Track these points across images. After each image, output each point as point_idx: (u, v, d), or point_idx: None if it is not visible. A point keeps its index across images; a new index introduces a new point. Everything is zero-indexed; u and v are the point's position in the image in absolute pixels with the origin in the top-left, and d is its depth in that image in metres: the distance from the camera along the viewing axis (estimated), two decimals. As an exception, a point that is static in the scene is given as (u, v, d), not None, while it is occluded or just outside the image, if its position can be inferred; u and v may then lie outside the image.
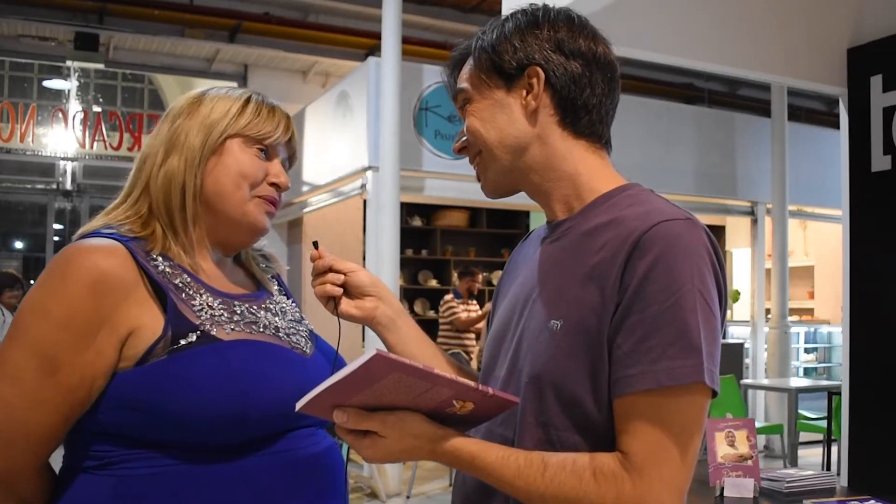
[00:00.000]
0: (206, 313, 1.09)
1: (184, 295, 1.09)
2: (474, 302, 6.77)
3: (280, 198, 1.22)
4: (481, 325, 6.57)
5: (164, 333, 1.03)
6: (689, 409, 0.92)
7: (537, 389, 0.98)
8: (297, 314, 1.27)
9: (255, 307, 1.18)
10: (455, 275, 7.33)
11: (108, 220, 1.14)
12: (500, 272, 7.79)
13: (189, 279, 1.11)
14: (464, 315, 6.50)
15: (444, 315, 6.57)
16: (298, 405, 0.93)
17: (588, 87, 1.04)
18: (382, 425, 0.92)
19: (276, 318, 1.20)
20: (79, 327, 1.00)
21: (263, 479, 1.06)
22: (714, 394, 0.93)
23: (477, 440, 0.96)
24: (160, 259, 1.10)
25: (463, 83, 1.09)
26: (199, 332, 1.06)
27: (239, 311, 1.14)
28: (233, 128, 1.16)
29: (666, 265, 0.91)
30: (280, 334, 1.17)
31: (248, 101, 1.19)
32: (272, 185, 1.19)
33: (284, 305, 1.26)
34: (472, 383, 0.90)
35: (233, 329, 1.10)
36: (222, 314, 1.11)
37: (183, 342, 1.04)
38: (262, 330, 1.15)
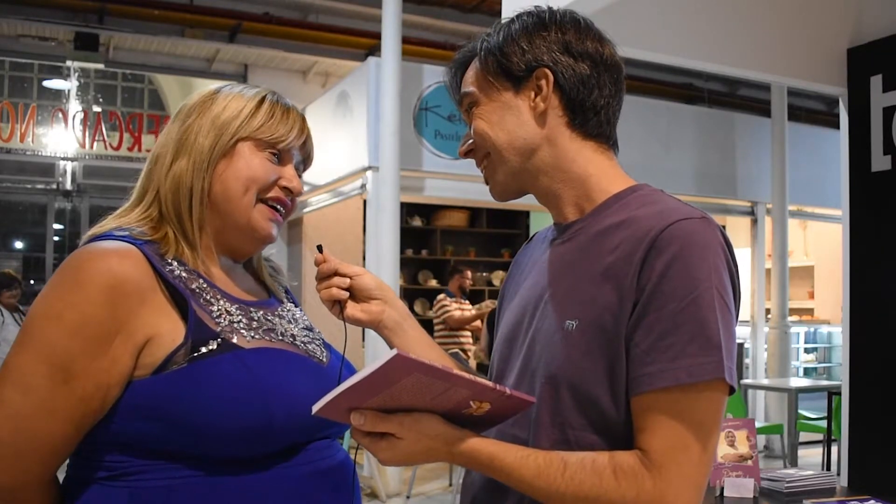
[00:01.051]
0: (224, 319, 1.05)
1: (202, 300, 1.05)
2: (467, 301, 6.76)
3: (293, 203, 1.18)
4: (476, 323, 6.57)
5: (186, 341, 1.00)
6: (707, 406, 0.92)
7: (553, 390, 0.98)
8: (308, 322, 1.25)
9: (270, 314, 1.15)
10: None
11: (119, 223, 1.10)
12: (500, 272, 7.81)
13: (205, 284, 1.08)
14: (457, 313, 6.49)
15: (437, 314, 6.57)
16: (315, 408, 0.91)
17: (596, 89, 1.04)
18: (400, 427, 0.92)
19: (291, 326, 1.17)
20: (93, 334, 0.96)
21: (282, 492, 1.03)
22: (732, 390, 0.93)
23: (495, 441, 0.96)
24: (175, 263, 1.07)
25: (469, 86, 1.09)
26: (219, 340, 1.02)
27: (256, 318, 1.11)
28: (245, 130, 1.12)
29: (683, 263, 0.92)
30: (297, 342, 1.14)
31: (262, 101, 1.14)
32: (284, 189, 1.15)
33: (296, 313, 1.24)
34: (489, 383, 0.90)
35: (253, 336, 1.07)
36: (241, 320, 1.08)
37: (204, 350, 1.00)
38: (280, 337, 1.12)
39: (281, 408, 1.02)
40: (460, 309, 6.56)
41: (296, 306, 1.28)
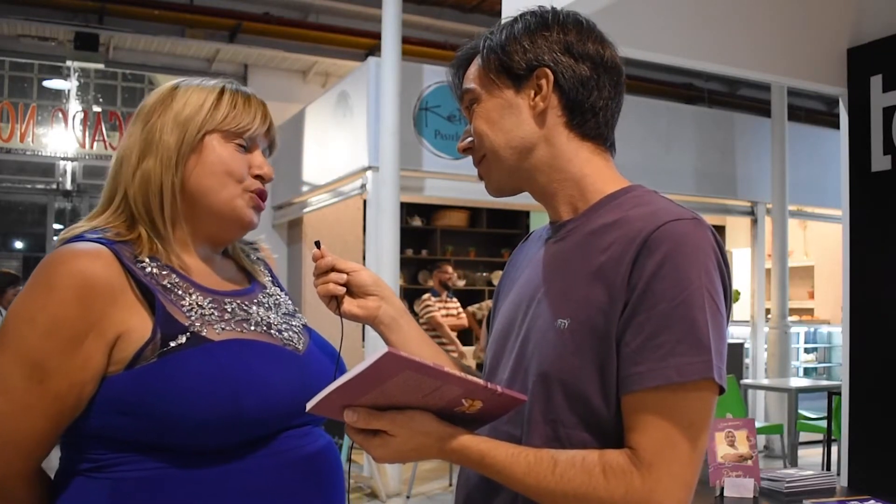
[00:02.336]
0: (195, 313, 1.07)
1: (172, 296, 1.07)
2: (454, 300, 6.72)
3: (266, 189, 1.19)
4: (462, 321, 6.52)
5: (153, 336, 1.02)
6: (697, 406, 0.92)
7: (545, 388, 0.99)
8: (291, 307, 1.26)
9: (246, 303, 1.16)
10: (454, 275, 7.30)
11: (92, 225, 1.11)
12: (500, 272, 7.75)
13: (178, 279, 1.09)
14: (438, 315, 6.45)
15: (420, 314, 6.53)
16: (309, 405, 0.92)
17: (595, 90, 1.05)
18: (392, 424, 0.93)
19: (269, 313, 1.18)
20: (65, 334, 0.99)
21: (261, 481, 1.05)
22: (721, 390, 0.94)
23: (486, 438, 0.97)
24: (148, 261, 1.08)
25: (470, 83, 1.10)
26: (188, 334, 1.04)
27: (230, 309, 1.12)
28: (210, 123, 1.13)
29: (674, 264, 0.92)
30: (272, 331, 1.15)
31: (222, 92, 1.15)
32: (256, 177, 1.16)
33: (278, 298, 1.24)
34: (481, 381, 0.91)
35: (223, 329, 1.08)
36: (213, 313, 1.09)
37: (173, 344, 1.02)
38: (253, 328, 1.13)
39: (250, 397, 1.04)
40: (445, 308, 6.53)
41: (281, 290, 1.28)
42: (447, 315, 6.49)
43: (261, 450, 1.06)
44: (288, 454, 1.09)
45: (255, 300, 1.19)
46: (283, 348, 1.14)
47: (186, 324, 1.05)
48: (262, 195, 1.18)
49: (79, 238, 1.07)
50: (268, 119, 1.19)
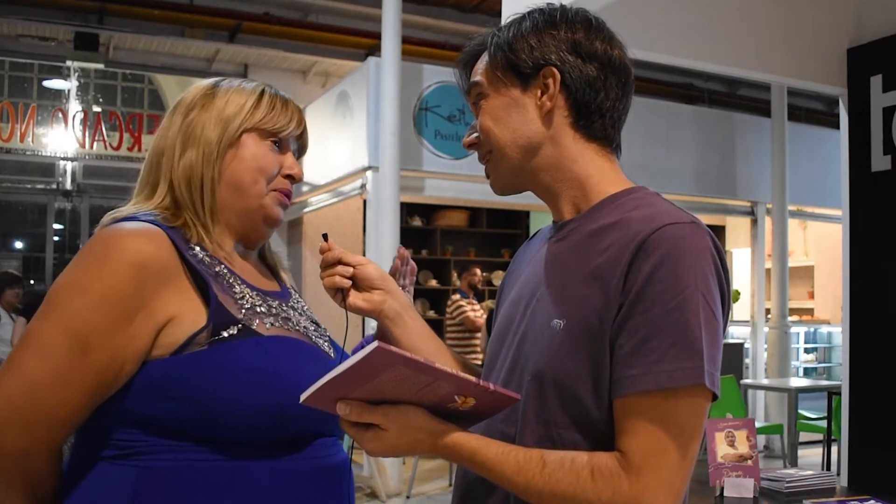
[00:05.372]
0: (247, 302, 1.09)
1: (224, 284, 1.08)
2: (476, 303, 6.74)
3: (292, 189, 1.23)
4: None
5: (208, 324, 1.03)
6: (688, 411, 0.92)
7: (539, 387, 0.99)
8: (314, 317, 1.28)
9: (284, 305, 1.18)
10: (454, 275, 7.27)
11: (140, 209, 1.12)
12: (500, 272, 7.81)
13: (226, 270, 1.11)
14: (472, 314, 6.46)
15: (453, 314, 6.52)
16: (302, 397, 0.93)
17: (602, 91, 1.04)
18: (384, 418, 0.93)
19: (302, 318, 1.20)
20: (116, 308, 0.99)
21: (284, 484, 1.05)
22: (714, 397, 0.93)
23: (477, 436, 0.97)
24: (198, 248, 1.10)
25: (478, 77, 1.09)
26: (240, 325, 1.05)
27: (274, 307, 1.14)
28: (249, 122, 1.17)
29: (670, 267, 0.92)
30: (310, 334, 1.18)
31: (262, 94, 1.19)
32: (287, 176, 1.20)
33: (304, 306, 1.27)
34: (472, 379, 0.91)
35: (272, 324, 1.10)
36: (261, 307, 1.11)
37: (225, 334, 1.03)
38: (296, 327, 1.15)
39: (295, 395, 1.04)
40: (473, 310, 6.53)
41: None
42: (476, 317, 6.49)
43: (291, 453, 1.07)
44: (314, 461, 1.09)
45: (290, 304, 1.21)
46: (321, 350, 1.17)
47: (238, 315, 1.06)
48: (288, 194, 1.21)
49: (131, 218, 1.08)
50: (302, 123, 1.23)
